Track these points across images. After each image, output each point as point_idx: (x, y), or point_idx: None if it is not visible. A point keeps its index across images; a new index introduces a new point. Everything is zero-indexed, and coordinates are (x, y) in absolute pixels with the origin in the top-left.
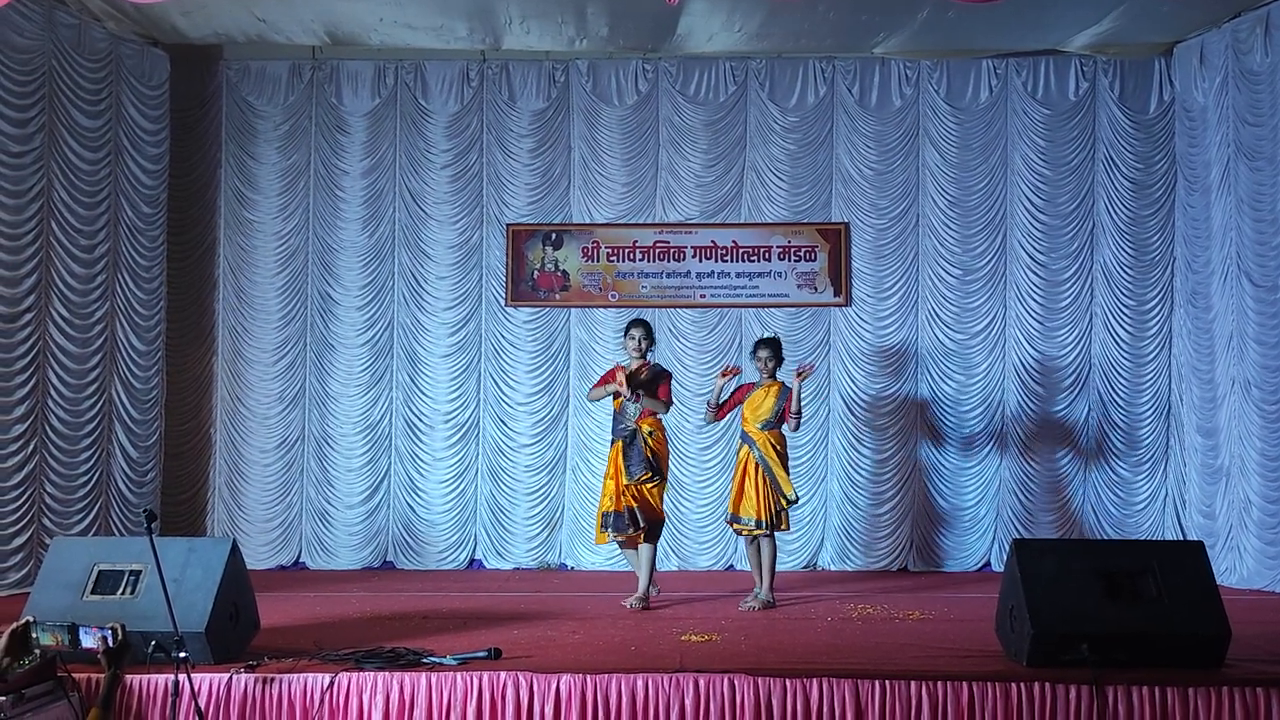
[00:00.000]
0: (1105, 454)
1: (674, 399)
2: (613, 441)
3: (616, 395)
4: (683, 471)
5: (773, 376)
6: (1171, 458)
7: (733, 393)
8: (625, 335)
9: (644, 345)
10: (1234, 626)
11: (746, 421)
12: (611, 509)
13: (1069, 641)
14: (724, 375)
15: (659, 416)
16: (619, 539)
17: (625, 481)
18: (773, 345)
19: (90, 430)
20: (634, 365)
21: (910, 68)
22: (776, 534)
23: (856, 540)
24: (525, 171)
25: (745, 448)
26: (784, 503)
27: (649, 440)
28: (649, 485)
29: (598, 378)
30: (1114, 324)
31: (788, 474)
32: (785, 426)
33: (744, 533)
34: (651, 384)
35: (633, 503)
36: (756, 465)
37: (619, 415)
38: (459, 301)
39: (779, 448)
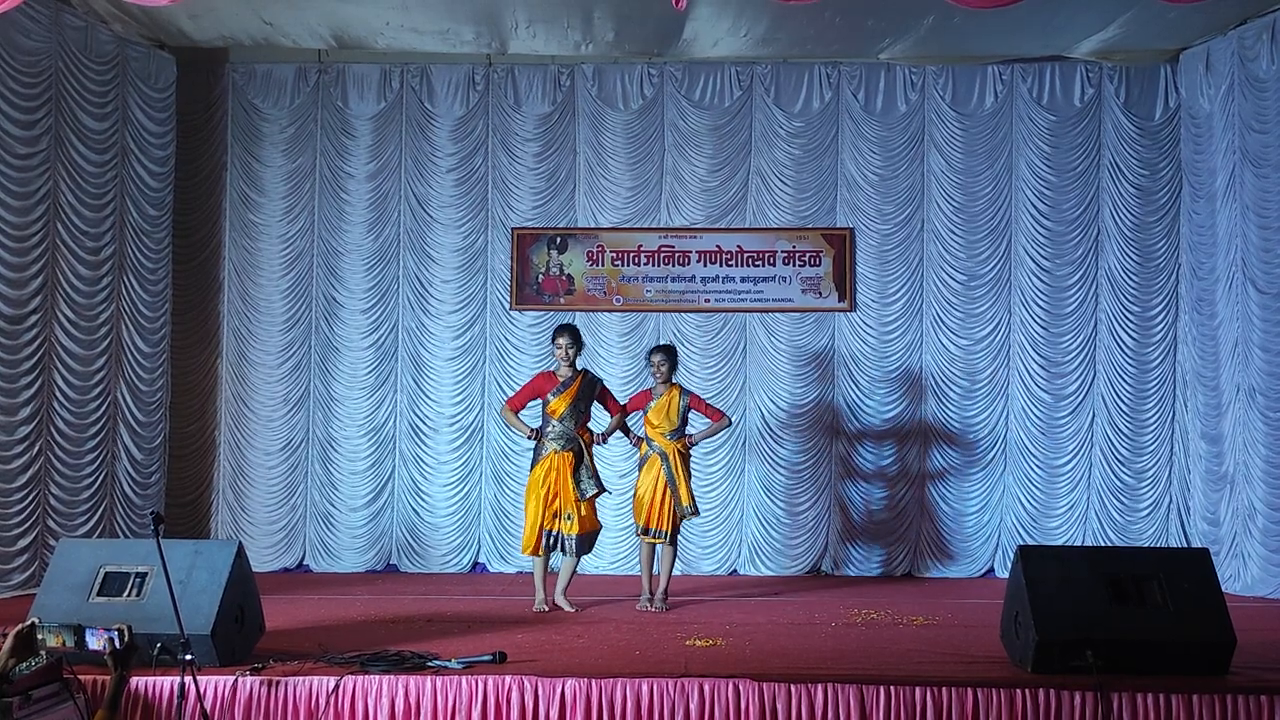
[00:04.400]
0: (1109, 460)
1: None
2: (541, 455)
3: (547, 408)
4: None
5: (668, 382)
6: (1176, 464)
7: (630, 399)
8: (553, 342)
9: (572, 354)
10: (1239, 634)
11: (653, 429)
12: (565, 531)
13: (1074, 648)
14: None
15: (590, 426)
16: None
17: (577, 499)
18: (668, 351)
19: (95, 432)
20: (565, 375)
21: (915, 73)
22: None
23: (860, 545)
24: (530, 175)
25: (655, 456)
26: (679, 514)
27: (588, 452)
28: (595, 499)
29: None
30: (1119, 330)
31: (689, 485)
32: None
33: (654, 542)
34: (590, 397)
35: (591, 526)
36: (660, 476)
37: (555, 425)
38: (464, 305)
39: (685, 454)
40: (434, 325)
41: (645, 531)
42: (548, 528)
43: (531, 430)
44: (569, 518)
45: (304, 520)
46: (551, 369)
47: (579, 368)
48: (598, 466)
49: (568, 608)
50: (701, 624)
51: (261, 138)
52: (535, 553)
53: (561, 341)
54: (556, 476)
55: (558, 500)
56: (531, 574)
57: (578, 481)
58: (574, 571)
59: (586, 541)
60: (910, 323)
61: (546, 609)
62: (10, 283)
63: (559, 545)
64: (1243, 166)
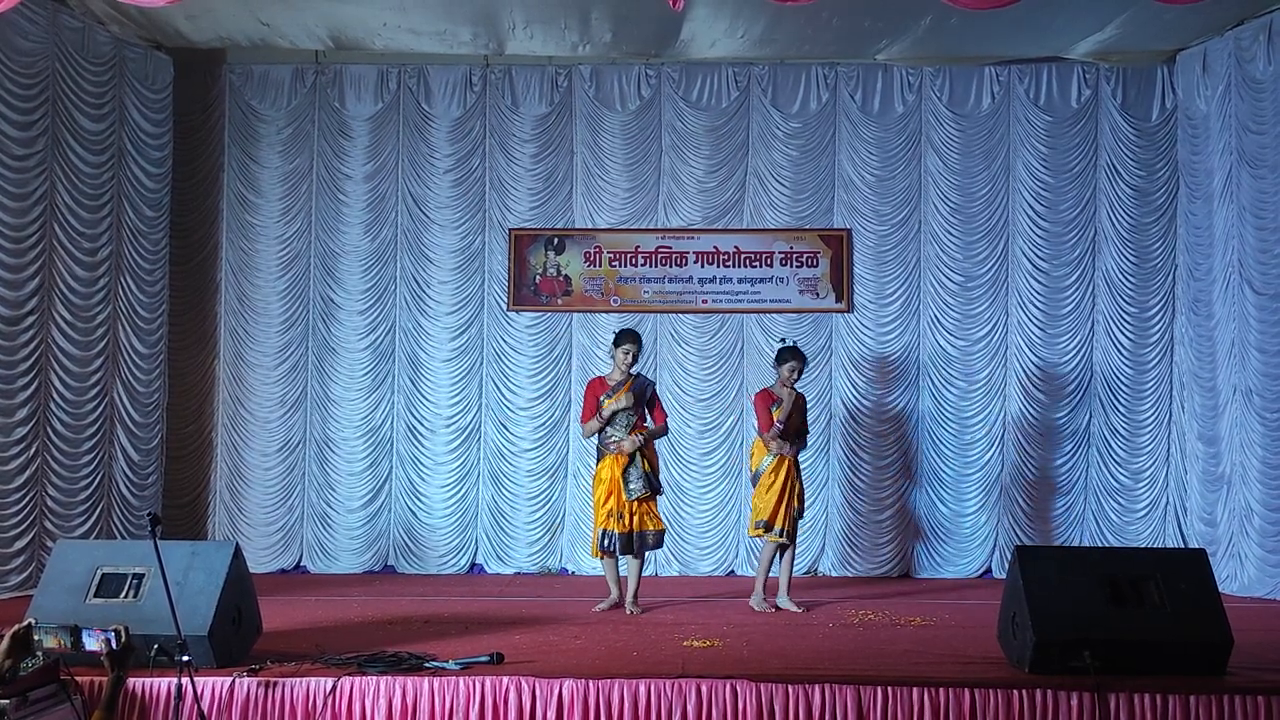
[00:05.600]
0: (1106, 461)
1: (670, 406)
2: (601, 456)
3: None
4: (684, 477)
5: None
6: (1173, 465)
7: (756, 401)
8: (617, 348)
9: (636, 359)
10: (1235, 634)
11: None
12: (616, 530)
13: (1071, 649)
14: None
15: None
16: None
17: (625, 499)
18: (803, 355)
19: (92, 433)
20: (617, 379)
21: (913, 74)
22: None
23: (858, 546)
24: (528, 176)
25: (784, 458)
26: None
27: (645, 454)
28: (650, 500)
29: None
30: (1116, 331)
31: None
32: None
33: (773, 540)
34: (643, 402)
35: (638, 525)
36: (791, 474)
37: (608, 428)
38: (461, 306)
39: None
40: (431, 326)
41: (769, 529)
42: (603, 527)
43: (601, 421)
44: (620, 518)
45: (301, 521)
46: (604, 374)
47: (632, 372)
48: (658, 467)
49: (630, 610)
50: (699, 625)
51: (259, 139)
52: (595, 554)
53: (626, 348)
54: (609, 477)
55: (611, 499)
56: (534, 575)
57: (626, 482)
58: (639, 575)
59: (642, 541)
60: (907, 324)
61: (637, 610)
62: (7, 284)
63: (612, 545)
64: (1239, 167)
